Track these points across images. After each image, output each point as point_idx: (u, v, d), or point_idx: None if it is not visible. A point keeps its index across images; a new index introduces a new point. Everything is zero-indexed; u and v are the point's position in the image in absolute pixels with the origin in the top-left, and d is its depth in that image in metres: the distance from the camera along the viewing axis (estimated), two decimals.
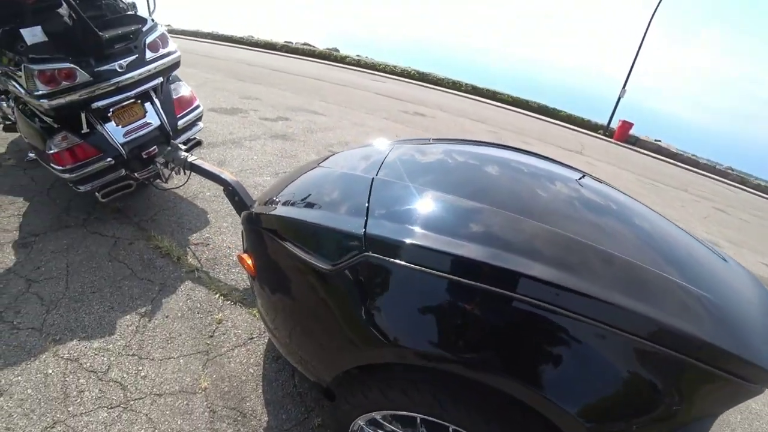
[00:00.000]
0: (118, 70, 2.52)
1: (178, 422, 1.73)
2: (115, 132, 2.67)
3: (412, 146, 1.93)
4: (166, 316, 2.24)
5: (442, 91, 14.14)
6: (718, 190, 10.71)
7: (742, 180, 12.18)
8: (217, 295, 2.42)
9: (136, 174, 2.83)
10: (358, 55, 14.56)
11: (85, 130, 2.52)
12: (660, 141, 13.47)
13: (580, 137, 12.57)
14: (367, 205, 1.34)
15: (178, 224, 3.03)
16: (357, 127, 6.41)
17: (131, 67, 2.58)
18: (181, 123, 2.97)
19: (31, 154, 2.97)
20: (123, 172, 2.74)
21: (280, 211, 1.53)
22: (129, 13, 2.91)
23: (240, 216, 2.47)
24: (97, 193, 2.68)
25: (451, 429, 1.16)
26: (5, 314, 2.14)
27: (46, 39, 2.44)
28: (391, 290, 1.19)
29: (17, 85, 2.42)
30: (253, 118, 5.69)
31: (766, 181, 12.57)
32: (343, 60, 14.06)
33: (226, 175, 2.43)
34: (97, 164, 2.60)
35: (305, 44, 14.53)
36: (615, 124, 13.80)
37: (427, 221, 1.27)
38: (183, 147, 2.80)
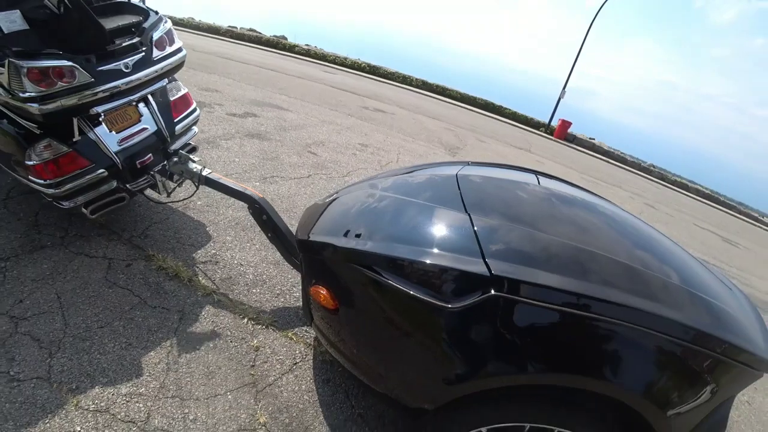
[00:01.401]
0: (124, 70, 2.15)
1: None
2: (108, 139, 2.30)
3: (475, 174, 1.99)
4: (197, 349, 2.03)
5: (393, 85, 14.21)
6: (646, 187, 12.09)
7: (662, 176, 13.88)
8: (245, 320, 2.24)
9: (128, 185, 2.49)
10: (307, 45, 14.06)
11: (76, 137, 2.16)
12: (594, 139, 14.83)
13: (526, 135, 13.40)
14: (478, 243, 1.40)
15: (176, 239, 2.73)
16: (327, 125, 6.25)
17: (138, 66, 2.22)
18: (178, 128, 2.64)
19: None
20: (115, 184, 2.40)
21: (376, 247, 1.50)
22: (118, 0, 2.50)
23: (267, 236, 2.30)
24: (84, 209, 2.32)
25: (556, 431, 1.29)
26: None
27: (27, 27, 2.02)
28: (517, 325, 1.27)
29: None
30: (219, 114, 5.28)
31: (682, 178, 14.44)
32: (291, 49, 13.49)
33: (251, 191, 2.24)
34: (87, 176, 2.23)
35: (251, 30, 13.70)
36: (555, 123, 14.91)
37: (537, 261, 1.36)
38: (196, 159, 2.49)
